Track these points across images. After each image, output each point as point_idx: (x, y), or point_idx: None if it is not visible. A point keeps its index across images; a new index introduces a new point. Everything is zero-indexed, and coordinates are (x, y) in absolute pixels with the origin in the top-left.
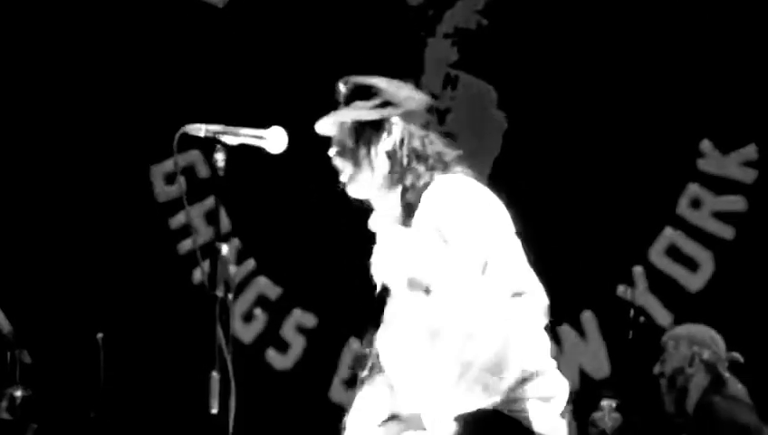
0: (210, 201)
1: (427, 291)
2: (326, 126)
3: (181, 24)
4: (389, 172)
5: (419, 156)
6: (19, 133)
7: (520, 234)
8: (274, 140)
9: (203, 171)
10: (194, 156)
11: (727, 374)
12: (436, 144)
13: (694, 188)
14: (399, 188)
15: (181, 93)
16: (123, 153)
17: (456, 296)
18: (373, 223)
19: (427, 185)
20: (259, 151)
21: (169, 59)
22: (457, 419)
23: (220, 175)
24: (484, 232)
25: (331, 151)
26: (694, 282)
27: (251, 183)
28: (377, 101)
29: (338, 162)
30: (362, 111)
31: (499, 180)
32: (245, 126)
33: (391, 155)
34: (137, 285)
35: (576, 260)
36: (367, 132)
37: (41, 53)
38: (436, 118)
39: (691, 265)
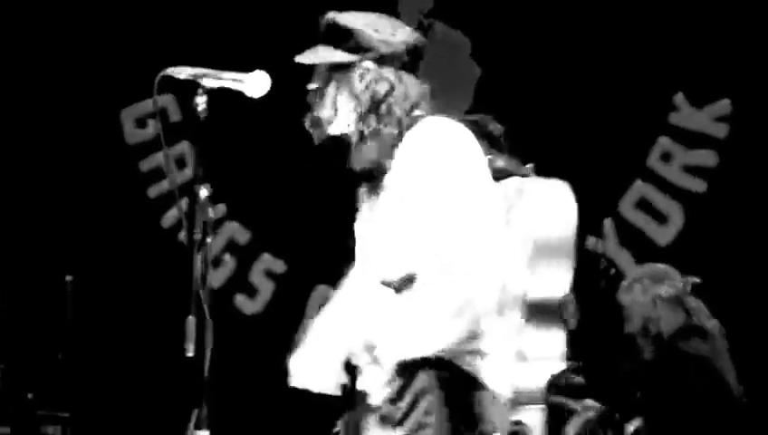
0: (181, 146)
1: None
2: (305, 61)
3: None
4: (355, 118)
5: (395, 99)
6: None
7: None
8: (255, 84)
9: (175, 116)
10: (166, 100)
11: (693, 304)
12: (409, 89)
13: (665, 142)
14: (369, 139)
15: (154, 35)
16: (93, 96)
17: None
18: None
19: (396, 134)
20: (235, 94)
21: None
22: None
23: (201, 119)
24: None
25: (310, 86)
26: (663, 235)
27: (223, 127)
28: (350, 44)
29: (309, 100)
30: (335, 53)
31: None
32: (223, 69)
33: (355, 100)
34: (106, 227)
35: None
36: (337, 75)
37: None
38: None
39: (661, 218)
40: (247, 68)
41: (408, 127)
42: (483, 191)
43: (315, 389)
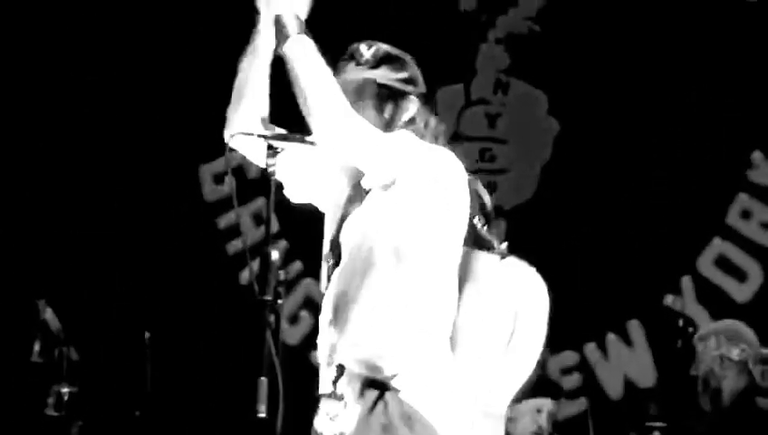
0: (258, 202)
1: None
2: (349, 76)
3: (234, 24)
4: None
5: (422, 138)
6: (71, 131)
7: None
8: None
9: (252, 171)
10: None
11: (759, 372)
12: (441, 137)
13: (744, 199)
14: None
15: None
16: (173, 152)
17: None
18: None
19: None
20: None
21: (221, 60)
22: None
23: (272, 179)
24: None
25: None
26: (742, 293)
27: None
28: (404, 75)
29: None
30: (391, 78)
31: (548, 186)
32: (293, 128)
33: (396, 128)
34: (185, 284)
35: (624, 269)
36: (388, 100)
37: (94, 50)
38: (487, 122)
39: (740, 275)
40: None
41: None
42: (459, 211)
43: None
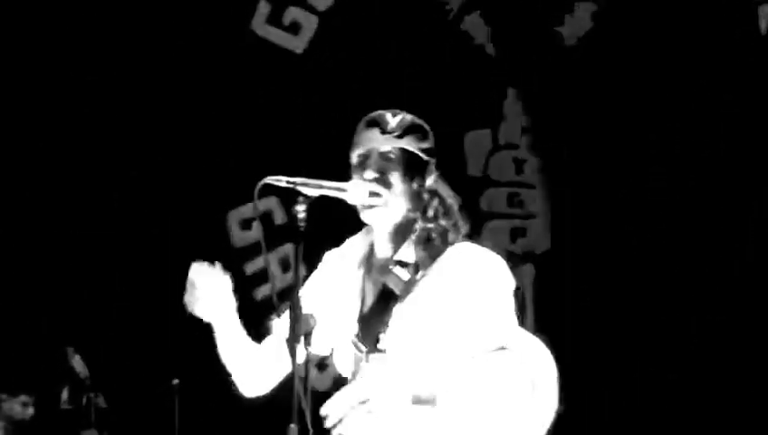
0: (286, 248)
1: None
2: (376, 145)
3: (260, 70)
4: (414, 215)
5: (447, 212)
6: (103, 182)
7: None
8: (355, 192)
9: (279, 218)
10: (271, 203)
11: None
12: (456, 204)
13: None
14: (414, 234)
15: (259, 139)
16: (201, 199)
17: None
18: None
19: (448, 242)
20: (338, 201)
21: (248, 105)
22: None
23: (300, 227)
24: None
25: (369, 174)
26: None
27: (326, 230)
28: (427, 145)
29: (373, 186)
30: (416, 148)
31: (576, 231)
32: (324, 171)
33: (424, 199)
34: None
35: (654, 309)
36: (412, 170)
37: (125, 99)
38: (515, 167)
39: None
40: (345, 175)
41: (453, 240)
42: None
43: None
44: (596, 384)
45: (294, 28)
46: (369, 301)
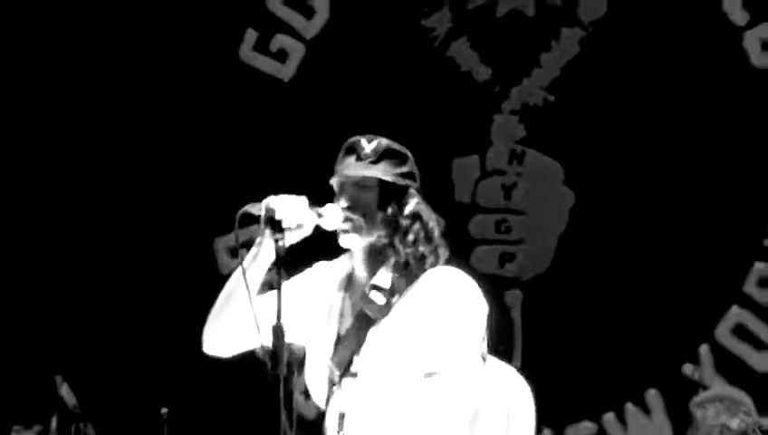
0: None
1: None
2: (350, 172)
3: (246, 98)
4: (389, 241)
5: (428, 237)
6: (89, 205)
7: None
8: (330, 217)
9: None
10: (254, 230)
11: None
12: (438, 229)
13: (761, 267)
14: (391, 259)
15: (246, 166)
16: (188, 226)
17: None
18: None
19: (425, 268)
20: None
21: (235, 132)
22: None
23: (280, 255)
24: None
25: (343, 203)
26: (761, 361)
27: (309, 257)
28: (404, 169)
29: (338, 211)
30: (391, 174)
31: (565, 256)
32: (311, 199)
33: (402, 225)
34: (201, 358)
35: (641, 337)
36: (387, 196)
37: (112, 128)
38: (503, 193)
39: (758, 344)
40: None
41: (431, 265)
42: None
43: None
44: (583, 407)
45: (281, 56)
46: (346, 324)
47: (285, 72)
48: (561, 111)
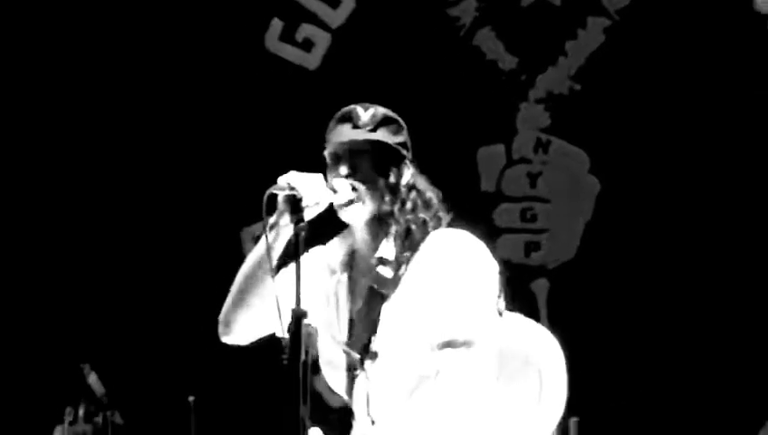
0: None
1: (467, 345)
2: (346, 139)
3: (272, 88)
4: (391, 208)
5: (427, 204)
6: (115, 198)
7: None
8: (342, 191)
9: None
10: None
11: None
12: (436, 197)
13: None
14: (393, 228)
15: (272, 156)
16: (215, 216)
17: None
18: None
19: (427, 233)
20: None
21: (260, 121)
22: None
23: (300, 234)
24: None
25: (342, 171)
26: None
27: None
28: (401, 139)
29: (345, 183)
30: (389, 141)
31: (591, 245)
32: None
33: (401, 193)
34: (227, 346)
35: (668, 326)
36: (387, 163)
37: (137, 117)
38: (528, 181)
39: None
40: None
41: (434, 228)
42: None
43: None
44: (612, 400)
45: (307, 45)
46: (357, 305)
47: (311, 61)
48: (586, 99)
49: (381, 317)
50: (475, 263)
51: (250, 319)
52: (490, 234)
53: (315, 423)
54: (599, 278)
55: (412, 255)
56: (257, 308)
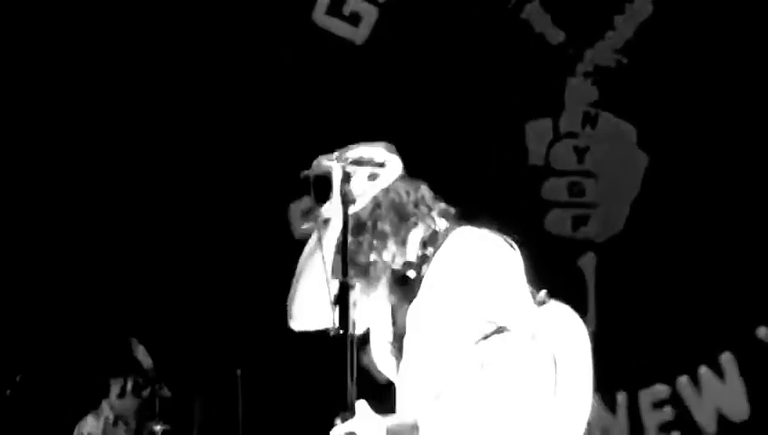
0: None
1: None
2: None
3: (320, 62)
4: (387, 220)
5: (412, 206)
6: (167, 175)
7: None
8: (392, 163)
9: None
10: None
11: None
12: (426, 196)
13: None
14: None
15: (320, 130)
16: (262, 192)
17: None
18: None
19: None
20: None
21: (308, 96)
22: None
23: (349, 205)
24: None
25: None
26: None
27: None
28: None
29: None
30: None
31: (638, 219)
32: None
33: (394, 207)
34: (275, 321)
35: (716, 300)
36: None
37: (188, 94)
38: (576, 156)
39: None
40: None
41: (445, 234)
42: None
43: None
44: (656, 371)
45: (355, 19)
46: (393, 300)
47: (358, 35)
48: (634, 73)
49: (408, 320)
50: (499, 257)
51: (312, 307)
52: (538, 208)
53: (361, 397)
54: (647, 252)
55: (434, 253)
56: (317, 296)
